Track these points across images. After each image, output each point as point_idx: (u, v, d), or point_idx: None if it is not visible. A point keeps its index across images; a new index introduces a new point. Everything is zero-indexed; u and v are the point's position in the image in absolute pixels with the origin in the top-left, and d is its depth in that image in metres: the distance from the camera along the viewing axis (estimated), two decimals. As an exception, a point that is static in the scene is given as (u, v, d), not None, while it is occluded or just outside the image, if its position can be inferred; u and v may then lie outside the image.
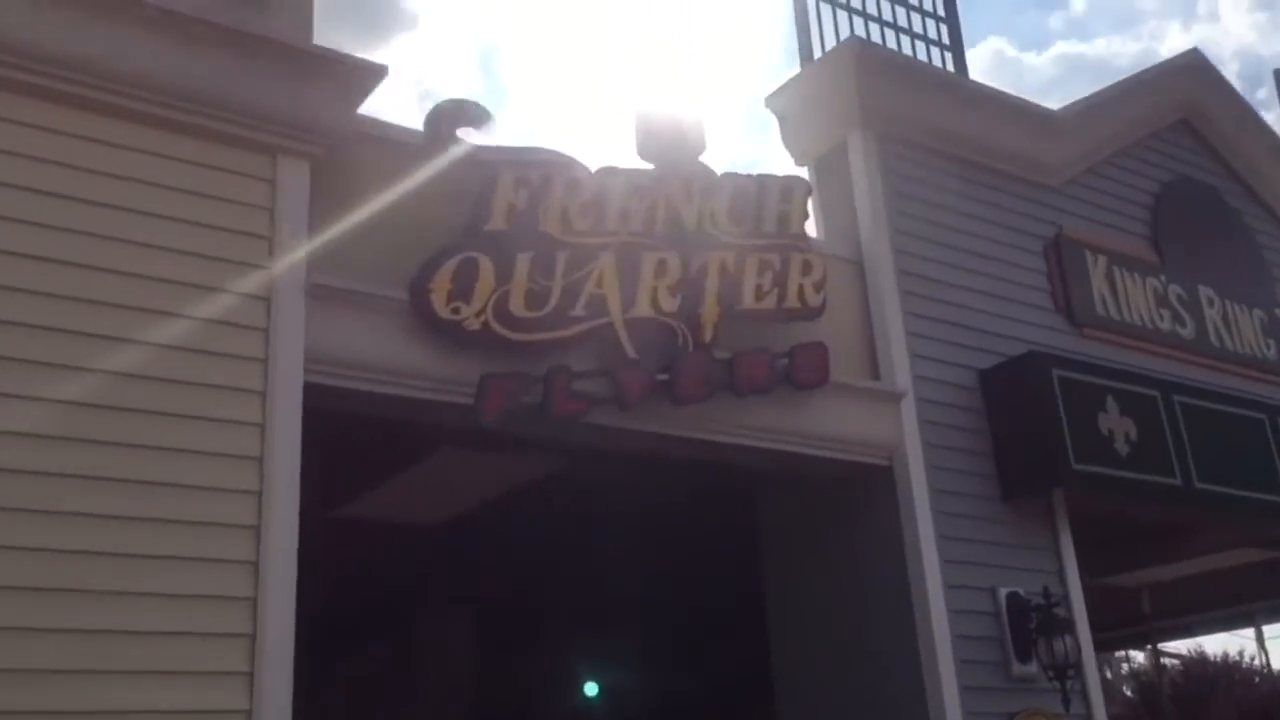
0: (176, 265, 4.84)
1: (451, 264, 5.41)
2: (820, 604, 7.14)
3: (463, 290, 5.41)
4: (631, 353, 5.86)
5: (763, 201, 6.59)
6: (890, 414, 6.91)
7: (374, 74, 5.42)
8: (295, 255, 5.11)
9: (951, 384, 7.24)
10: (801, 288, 6.60)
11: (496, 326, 5.47)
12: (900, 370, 7.04)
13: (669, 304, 6.07)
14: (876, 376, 7.06)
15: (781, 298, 6.52)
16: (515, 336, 5.52)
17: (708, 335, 6.15)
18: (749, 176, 6.61)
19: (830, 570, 7.10)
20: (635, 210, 6.07)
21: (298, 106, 5.23)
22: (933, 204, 7.70)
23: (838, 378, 6.65)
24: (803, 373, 6.40)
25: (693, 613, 8.95)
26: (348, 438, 6.34)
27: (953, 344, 7.36)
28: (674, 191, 6.25)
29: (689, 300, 6.14)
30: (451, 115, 5.68)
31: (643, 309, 5.98)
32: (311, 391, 5.02)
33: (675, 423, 6.10)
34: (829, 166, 7.63)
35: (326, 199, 5.33)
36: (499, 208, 5.63)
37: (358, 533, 7.97)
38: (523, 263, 5.61)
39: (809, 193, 6.85)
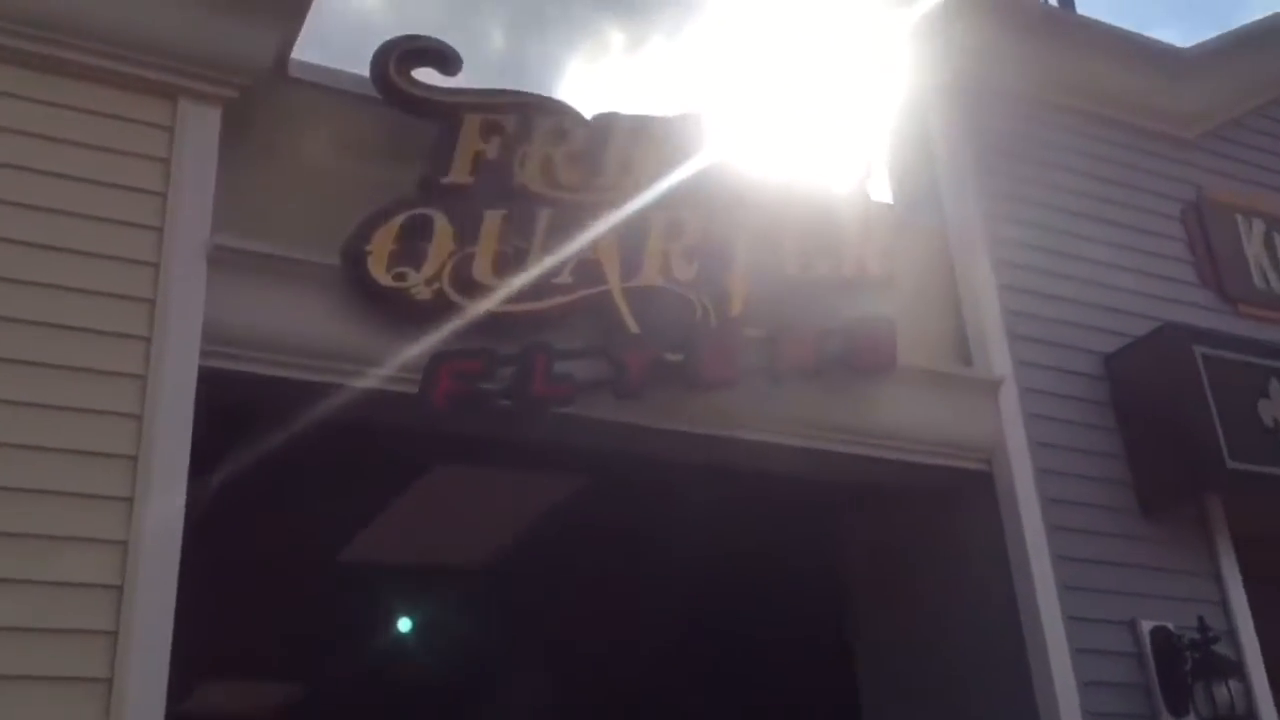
0: (42, 225, 3.96)
1: (396, 221, 4.39)
2: (913, 644, 5.80)
3: (411, 253, 4.38)
4: (634, 328, 4.73)
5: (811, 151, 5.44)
6: (987, 407, 5.60)
7: (299, 3, 4.51)
8: (195, 214, 4.18)
9: (1065, 370, 5.87)
10: (862, 254, 5.40)
11: (454, 295, 4.41)
12: (997, 354, 5.73)
13: (684, 271, 4.93)
14: (968, 362, 5.77)
15: (837, 266, 5.33)
16: (480, 308, 4.47)
17: (736, 309, 4.97)
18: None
19: (922, 602, 5.77)
20: (640, 160, 4.98)
21: (204, 40, 4.34)
22: (1035, 161, 6.38)
23: (915, 362, 5.40)
24: (863, 354, 5.17)
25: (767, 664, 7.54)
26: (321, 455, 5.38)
27: (1065, 323, 5.99)
28: (691, 138, 5.13)
29: (711, 267, 4.98)
30: (405, 54, 4.68)
31: (650, 277, 4.85)
32: (211, 378, 4.05)
33: (700, 418, 4.92)
34: (906, 116, 6.41)
35: (245, 151, 4.41)
36: (462, 157, 4.60)
37: (371, 579, 6.94)
38: (492, 221, 4.57)
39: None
